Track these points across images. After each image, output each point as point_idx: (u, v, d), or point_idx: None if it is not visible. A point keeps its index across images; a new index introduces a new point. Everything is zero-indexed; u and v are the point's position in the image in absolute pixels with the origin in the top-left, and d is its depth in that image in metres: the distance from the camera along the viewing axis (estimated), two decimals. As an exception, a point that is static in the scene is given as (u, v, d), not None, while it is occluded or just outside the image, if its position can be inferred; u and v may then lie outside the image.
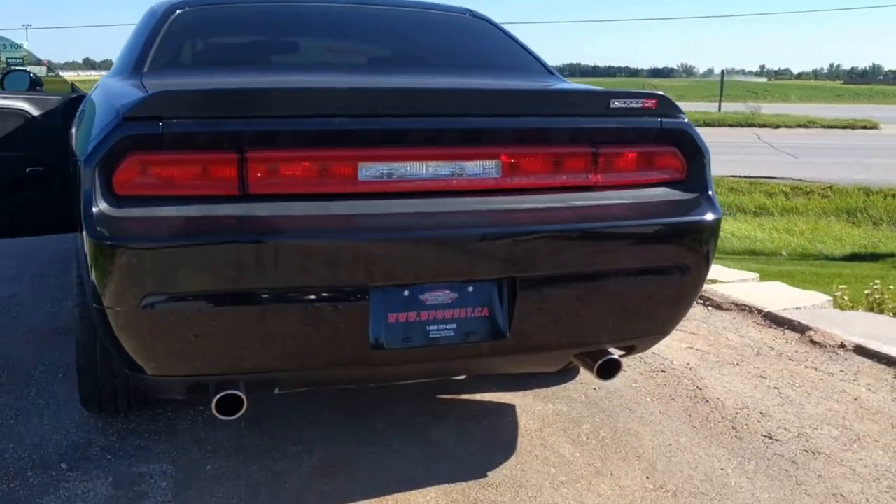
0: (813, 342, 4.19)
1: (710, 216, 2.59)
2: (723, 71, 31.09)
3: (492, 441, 3.04)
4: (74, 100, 4.55)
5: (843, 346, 4.12)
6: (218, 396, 2.32)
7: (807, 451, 3.01)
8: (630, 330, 2.69)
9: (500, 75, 3.29)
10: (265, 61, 3.38)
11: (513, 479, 2.78)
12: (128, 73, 3.00)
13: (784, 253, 10.53)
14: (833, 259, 10.01)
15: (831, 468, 2.90)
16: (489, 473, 2.81)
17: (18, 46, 46.74)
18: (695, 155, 2.63)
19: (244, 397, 2.34)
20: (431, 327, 2.43)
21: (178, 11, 3.32)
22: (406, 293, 2.39)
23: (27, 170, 4.33)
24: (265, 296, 2.26)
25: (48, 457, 2.87)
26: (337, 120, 2.29)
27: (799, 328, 4.38)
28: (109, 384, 2.96)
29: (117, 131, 2.16)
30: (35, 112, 4.38)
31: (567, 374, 3.61)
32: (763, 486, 2.77)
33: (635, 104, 2.51)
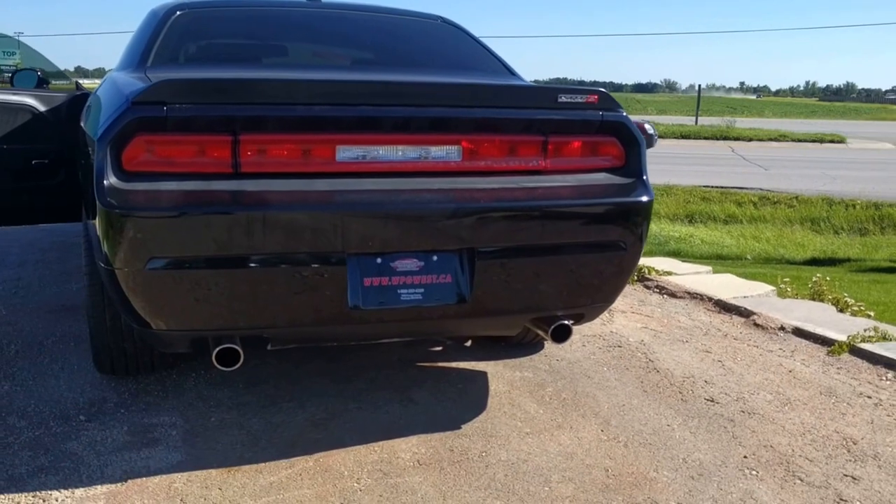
0: (756, 325, 4.61)
1: (644, 198, 2.98)
2: (699, 86, 31.94)
3: (465, 400, 3.41)
4: (78, 97, 4.87)
5: (782, 328, 4.54)
6: (217, 349, 2.66)
7: (743, 412, 3.41)
8: (578, 298, 3.06)
9: (466, 74, 3.68)
10: (257, 60, 3.75)
11: (484, 430, 3.15)
12: (133, 67, 3.35)
13: (749, 257, 10.96)
14: (794, 263, 10.42)
15: (764, 425, 3.29)
16: (463, 426, 3.17)
17: (12, 53, 46.72)
18: (632, 144, 3.02)
19: (240, 351, 2.69)
20: (402, 291, 2.79)
21: (177, 13, 3.68)
22: (379, 260, 2.75)
23: (33, 162, 4.65)
24: (255, 260, 2.59)
25: (67, 410, 3.21)
26: (318, 108, 2.64)
27: (745, 313, 4.79)
28: (119, 347, 3.29)
29: (127, 114, 2.49)
30: (42, 108, 4.69)
31: (534, 347, 3.99)
32: (703, 438, 3.16)
33: (580, 99, 2.90)
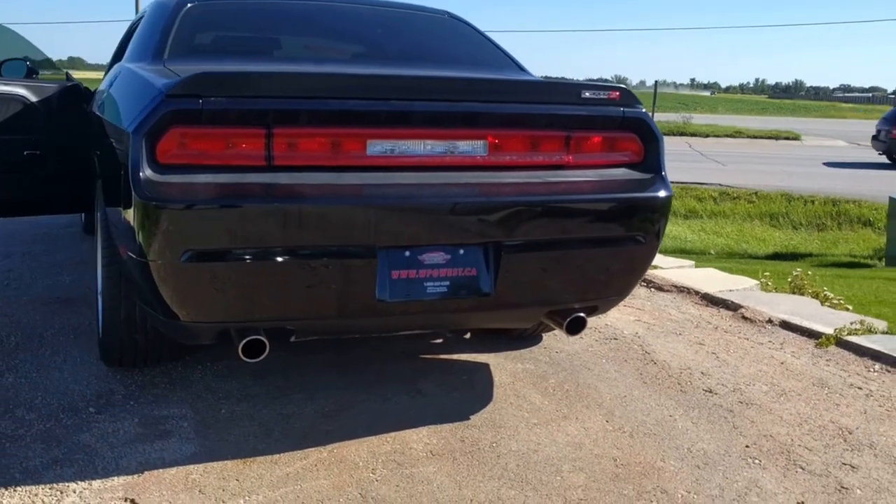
0: (744, 318, 4.71)
1: (663, 193, 3.05)
2: (656, 82, 32.12)
3: (472, 391, 3.46)
4: (70, 88, 4.85)
5: (770, 321, 4.64)
6: (244, 341, 2.69)
7: (741, 403, 3.49)
8: (595, 291, 3.13)
9: (479, 69, 3.72)
10: (271, 52, 3.76)
11: (492, 421, 3.20)
12: (149, 59, 3.35)
13: (712, 252, 11.12)
14: (756, 257, 10.58)
15: (762, 415, 3.38)
16: (472, 417, 3.22)
17: None
18: (651, 140, 3.09)
19: (267, 342, 2.72)
20: (428, 283, 2.83)
21: (188, 5, 3.68)
22: (407, 253, 2.79)
23: (25, 153, 4.61)
24: (288, 253, 2.62)
25: (75, 403, 3.20)
26: (351, 101, 2.68)
27: (732, 306, 4.89)
28: (131, 339, 3.29)
29: (162, 106, 2.51)
30: (33, 98, 4.66)
31: (533, 339, 4.05)
32: (705, 428, 3.24)
33: (602, 95, 2.96)
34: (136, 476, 2.72)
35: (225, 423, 3.10)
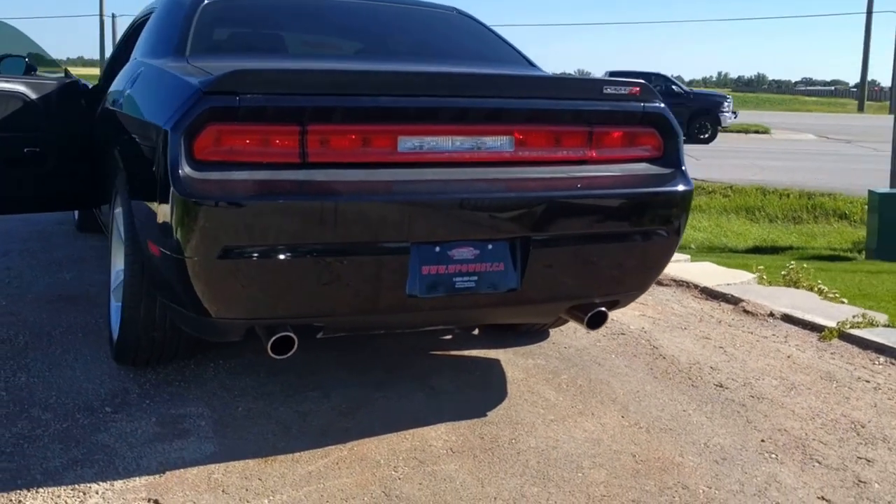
0: (746, 311, 4.74)
1: (685, 188, 3.08)
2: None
3: (486, 388, 3.46)
4: (69, 84, 4.81)
5: (772, 314, 4.68)
6: (274, 337, 2.69)
7: (753, 397, 3.52)
8: (617, 285, 3.16)
9: (493, 65, 3.74)
10: (289, 48, 3.77)
11: (509, 417, 3.20)
12: (171, 55, 3.34)
13: (693, 246, 11.19)
14: (737, 251, 10.62)
15: (774, 409, 3.41)
16: (488, 413, 3.23)
17: None
18: (670, 135, 3.11)
19: (296, 339, 2.72)
20: (457, 279, 2.85)
21: (205, 1, 3.66)
22: (437, 249, 2.80)
23: (25, 150, 4.57)
24: (323, 249, 2.63)
25: (90, 402, 3.18)
26: (383, 98, 2.69)
27: (732, 300, 4.92)
28: (148, 336, 3.27)
29: (200, 104, 2.51)
30: (33, 95, 4.62)
31: (540, 335, 4.07)
32: (720, 423, 3.26)
33: (623, 90, 2.98)
34: (157, 476, 2.70)
35: (242, 421, 3.09)
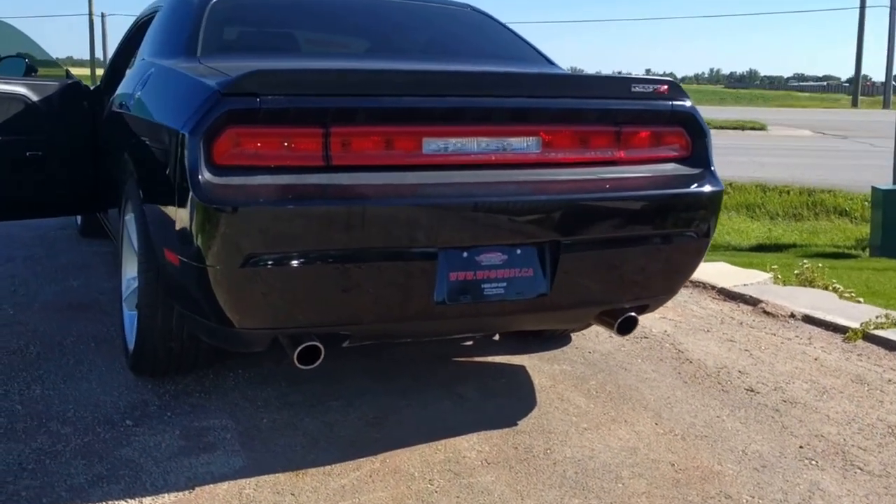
0: (766, 313, 4.68)
1: (715, 188, 3.00)
2: (620, 73, 32.15)
3: (514, 396, 3.38)
4: (70, 85, 4.70)
5: (793, 315, 4.61)
6: (301, 347, 2.60)
7: (785, 401, 3.45)
8: (647, 289, 3.08)
9: (513, 63, 3.66)
10: (302, 47, 3.68)
11: (541, 426, 3.12)
12: (181, 55, 3.24)
13: (697, 246, 11.17)
14: (741, 250, 10.58)
15: (809, 414, 3.34)
16: (519, 422, 3.14)
17: None
18: (698, 135, 3.04)
19: (322, 348, 2.63)
20: (486, 285, 2.76)
21: (213, 0, 3.56)
22: (465, 254, 2.72)
23: (27, 154, 4.47)
24: (350, 256, 2.54)
25: (110, 415, 3.08)
26: (408, 98, 2.60)
27: (751, 301, 4.86)
28: (166, 346, 3.17)
29: (219, 106, 2.42)
30: (34, 97, 4.51)
31: (562, 340, 3.99)
32: (755, 429, 3.19)
33: (651, 89, 2.90)
34: (186, 492, 2.61)
35: (269, 433, 2.99)
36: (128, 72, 5.03)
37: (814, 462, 2.96)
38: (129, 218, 3.42)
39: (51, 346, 3.76)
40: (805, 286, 5.45)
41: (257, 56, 3.30)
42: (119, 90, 3.87)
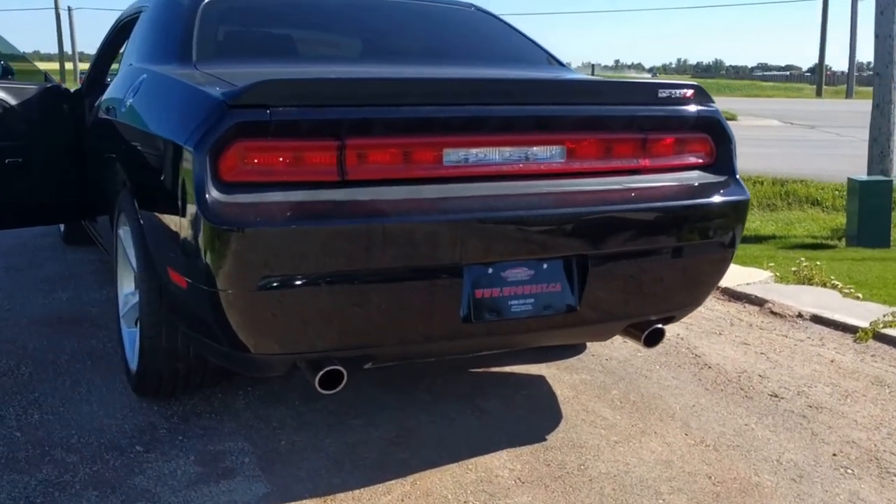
0: (773, 313, 4.61)
1: (742, 196, 2.91)
2: (592, 65, 32.25)
3: (537, 408, 3.26)
4: (50, 89, 4.50)
5: (800, 315, 4.55)
6: (322, 372, 2.45)
7: (811, 407, 3.37)
8: (675, 301, 2.99)
9: (521, 66, 3.54)
10: (300, 51, 3.51)
11: (570, 440, 3.01)
12: (175, 61, 3.07)
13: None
14: (721, 242, 10.61)
15: (836, 420, 3.26)
16: (548, 437, 3.03)
17: None
18: (723, 140, 2.95)
19: (345, 372, 2.49)
20: (512, 302, 2.64)
21: (204, 1, 3.38)
22: (490, 270, 2.59)
23: (6, 161, 4.26)
24: (369, 276, 2.40)
25: (117, 440, 2.91)
26: (425, 108, 2.47)
27: (757, 301, 4.79)
28: (171, 367, 3.01)
29: (227, 119, 2.26)
30: (13, 101, 4.31)
31: (576, 348, 3.88)
32: (786, 437, 3.10)
33: (678, 93, 2.80)
34: (210, 524, 2.46)
35: (289, 456, 2.84)
36: (112, 76, 4.84)
37: (849, 471, 2.88)
38: (124, 231, 3.25)
39: (44, 365, 3.56)
40: (804, 284, 5.41)
41: (256, 61, 3.14)
42: (107, 95, 3.66)
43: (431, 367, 3.57)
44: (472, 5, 4.07)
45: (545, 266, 2.67)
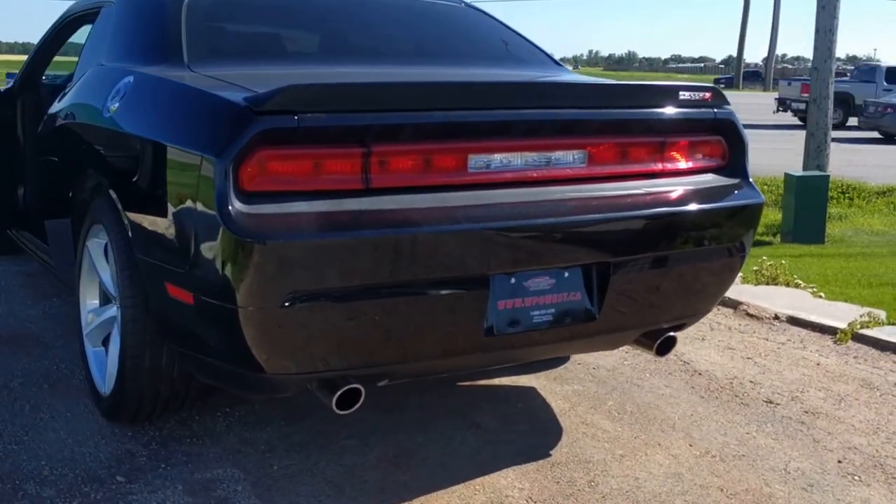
0: (749, 315, 4.58)
1: (757, 200, 2.84)
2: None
3: (535, 423, 3.13)
4: (12, 91, 4.27)
5: (777, 317, 4.53)
6: (341, 391, 2.30)
7: (807, 413, 3.32)
8: (689, 307, 2.90)
9: (520, 65, 3.43)
10: (295, 50, 3.35)
11: (576, 455, 2.89)
12: (164, 62, 2.86)
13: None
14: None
15: (835, 425, 3.21)
16: (552, 452, 2.90)
17: None
18: (737, 143, 2.87)
19: (363, 390, 2.34)
20: (534, 312, 2.52)
21: None
22: (513, 280, 2.47)
23: None
24: (396, 289, 2.27)
25: (94, 470, 2.69)
26: (452, 113, 2.35)
27: (730, 303, 4.75)
28: (153, 390, 2.79)
29: (252, 126, 2.12)
30: None
31: (563, 357, 3.75)
32: (789, 445, 3.04)
33: (697, 96, 2.71)
34: (209, 561, 2.27)
35: (284, 481, 2.66)
36: (52, 76, 4.56)
37: (857, 478, 2.83)
38: (95, 243, 3.02)
39: (-3, 390, 3.29)
40: (770, 284, 5.40)
41: (251, 62, 2.97)
42: (70, 98, 3.38)
43: (419, 382, 3.40)
44: (462, 1, 3.93)
45: (566, 274, 2.56)
